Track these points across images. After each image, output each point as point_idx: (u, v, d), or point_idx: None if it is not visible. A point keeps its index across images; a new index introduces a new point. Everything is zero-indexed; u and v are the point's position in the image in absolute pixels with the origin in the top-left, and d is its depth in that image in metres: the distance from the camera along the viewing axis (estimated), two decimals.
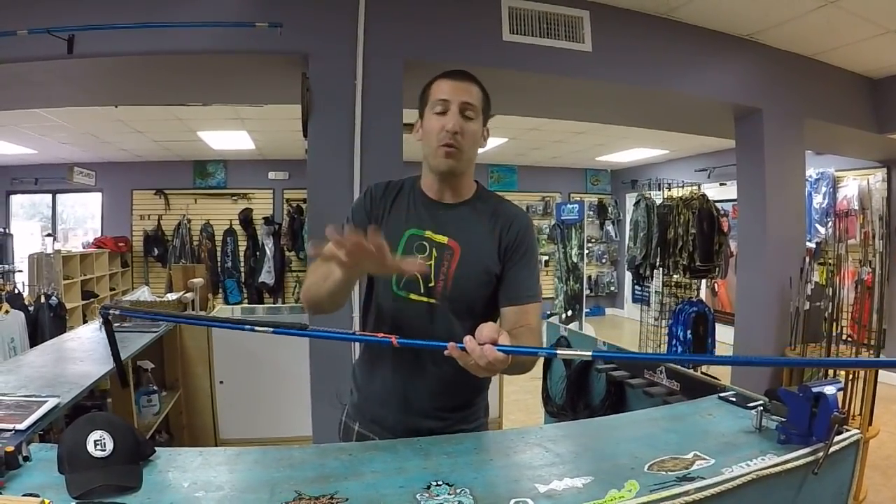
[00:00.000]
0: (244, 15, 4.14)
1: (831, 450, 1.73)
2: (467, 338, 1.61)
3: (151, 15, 4.04)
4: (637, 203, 8.55)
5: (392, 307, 2.08)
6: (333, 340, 2.05)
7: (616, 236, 15.27)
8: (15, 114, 7.42)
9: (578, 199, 13.19)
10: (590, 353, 1.78)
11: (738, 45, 5.56)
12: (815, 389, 1.77)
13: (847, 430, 1.85)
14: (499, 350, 1.58)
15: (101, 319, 1.80)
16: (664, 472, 1.61)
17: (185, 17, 4.07)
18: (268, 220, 12.97)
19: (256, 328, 1.76)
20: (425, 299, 2.04)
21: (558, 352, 1.77)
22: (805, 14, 4.96)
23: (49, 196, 13.26)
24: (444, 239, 2.06)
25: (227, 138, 10.51)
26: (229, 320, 1.85)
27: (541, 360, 4.30)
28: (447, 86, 2.05)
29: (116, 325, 4.73)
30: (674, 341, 6.94)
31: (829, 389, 1.78)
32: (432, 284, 2.04)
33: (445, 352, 1.64)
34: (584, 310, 10.94)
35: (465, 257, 2.05)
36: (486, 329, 1.62)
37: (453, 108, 2.01)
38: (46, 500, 1.36)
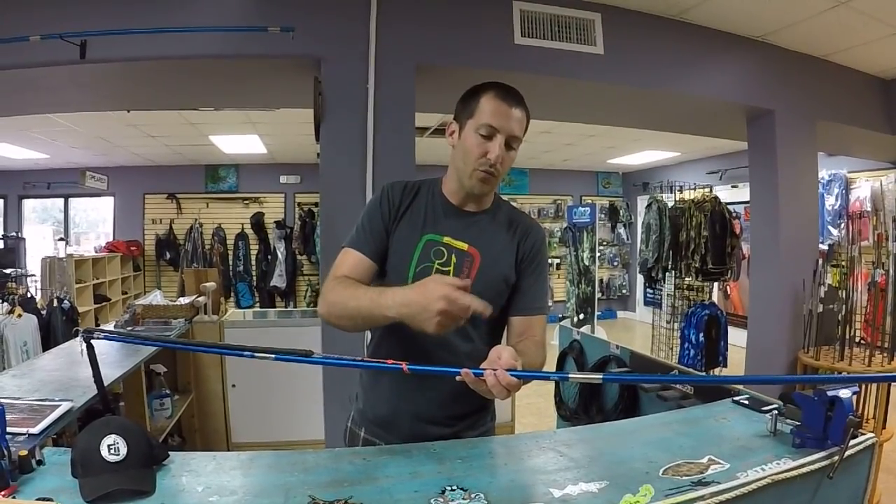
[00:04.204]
0: (256, 19, 4.14)
1: (846, 454, 1.72)
2: (485, 366, 1.64)
3: (163, 20, 4.05)
4: (649, 205, 8.55)
5: None
6: (344, 345, 2.03)
7: (628, 239, 15.25)
8: (27, 119, 7.45)
9: (590, 201, 13.21)
10: (600, 377, 1.80)
11: (750, 46, 5.54)
12: (830, 393, 1.76)
13: (862, 434, 1.84)
14: (512, 375, 1.59)
15: (84, 344, 1.79)
16: (679, 477, 1.60)
17: (197, 22, 4.08)
18: (279, 224, 13.00)
19: (257, 355, 1.75)
20: None
21: (570, 375, 1.78)
22: (817, 15, 4.93)
23: (61, 200, 13.35)
24: (464, 245, 2.06)
25: (239, 142, 10.55)
26: (230, 346, 1.84)
27: (554, 364, 4.29)
28: (501, 110, 1.99)
29: (129, 328, 4.78)
30: (686, 344, 6.91)
31: (845, 393, 1.77)
32: None
33: (458, 378, 1.65)
34: (596, 313, 10.94)
35: (485, 265, 2.05)
36: (506, 354, 1.64)
37: (500, 138, 1.97)
38: None
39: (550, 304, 14.09)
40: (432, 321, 1.68)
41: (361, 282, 2.07)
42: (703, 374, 5.80)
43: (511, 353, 1.65)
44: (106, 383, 3.23)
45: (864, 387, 4.85)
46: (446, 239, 2.07)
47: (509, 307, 2.12)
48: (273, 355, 1.77)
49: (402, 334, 2.00)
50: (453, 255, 2.05)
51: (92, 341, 1.85)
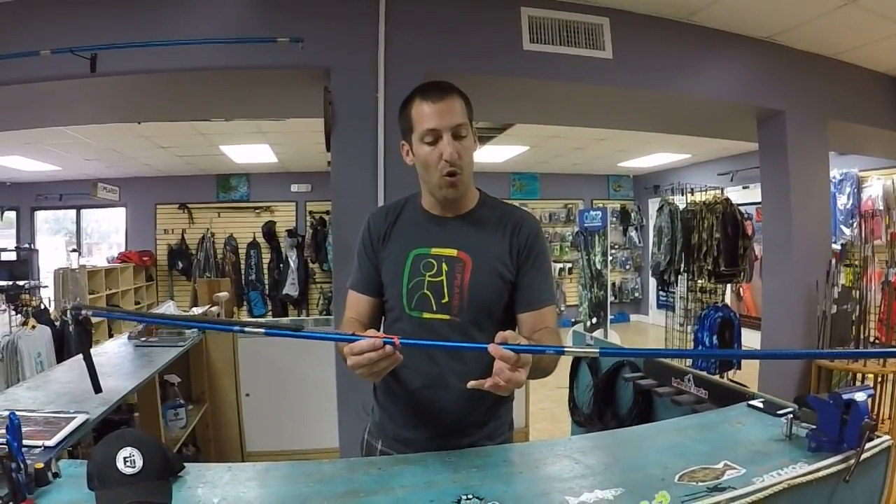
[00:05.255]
0: (265, 30, 4.15)
1: (862, 457, 1.71)
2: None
3: (173, 32, 4.07)
4: (660, 208, 8.53)
5: (407, 328, 2.05)
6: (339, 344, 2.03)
7: (640, 242, 15.22)
8: (39, 131, 7.50)
9: (601, 205, 13.14)
10: (597, 350, 1.78)
11: (759, 47, 5.52)
12: (845, 396, 1.76)
13: (878, 437, 1.83)
14: (506, 349, 1.56)
15: (72, 321, 1.80)
16: (695, 483, 1.60)
17: (206, 34, 4.10)
18: (291, 233, 13.04)
19: (246, 329, 1.75)
20: (439, 316, 2.02)
21: (566, 349, 1.74)
22: (825, 14, 4.92)
23: (73, 211, 13.44)
24: (453, 252, 2.05)
25: (250, 152, 10.58)
26: (219, 321, 1.83)
27: (568, 369, 4.29)
28: (431, 111, 1.98)
29: (143, 339, 4.80)
30: (699, 347, 6.90)
31: (860, 396, 1.76)
32: (446, 300, 2.02)
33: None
34: (609, 317, 10.89)
35: (478, 267, 2.04)
36: (505, 332, 1.62)
37: (446, 136, 1.96)
38: None
39: (563, 308, 14.09)
40: (358, 373, 1.71)
41: (365, 317, 2.15)
42: (717, 376, 5.77)
43: (509, 332, 1.63)
44: (120, 395, 3.26)
45: (879, 389, 4.83)
46: (434, 250, 2.06)
47: (515, 305, 2.09)
48: (263, 330, 1.78)
49: (406, 352, 2.01)
50: (444, 264, 2.04)
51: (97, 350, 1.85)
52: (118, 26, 4.06)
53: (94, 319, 8.85)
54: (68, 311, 1.79)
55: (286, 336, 1.78)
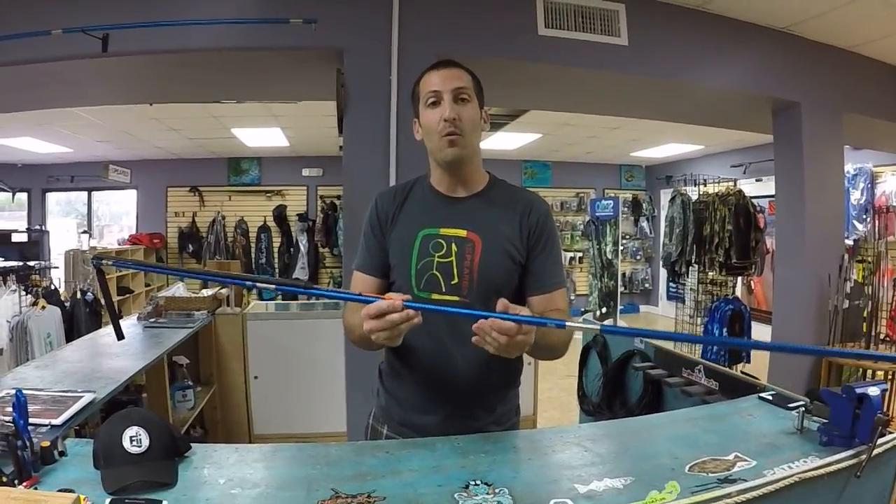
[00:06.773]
0: (278, 11, 4.13)
1: (874, 452, 1.69)
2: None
3: (185, 12, 4.05)
4: (672, 199, 8.51)
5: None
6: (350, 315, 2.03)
7: (651, 233, 15.16)
8: (51, 113, 7.50)
9: (613, 195, 13.11)
10: (598, 327, 1.78)
11: (775, 37, 5.48)
12: (858, 391, 1.74)
13: (890, 433, 1.81)
14: (506, 318, 1.57)
15: (94, 269, 1.79)
16: (705, 474, 1.58)
17: (219, 14, 4.08)
18: (302, 217, 13.04)
19: (258, 284, 1.76)
20: (449, 297, 2.01)
21: (567, 323, 1.72)
22: (842, 6, 4.87)
23: (85, 193, 13.48)
24: (462, 232, 2.04)
25: (261, 135, 10.58)
26: (233, 275, 1.84)
27: (577, 357, 4.27)
28: (435, 77, 2.03)
29: (152, 319, 4.80)
30: None
31: (873, 390, 1.75)
32: (455, 281, 2.01)
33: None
34: (619, 307, 10.89)
35: (488, 248, 2.02)
36: (502, 301, 1.63)
37: (446, 96, 1.99)
38: (81, 496, 1.36)
39: (573, 297, 14.07)
40: (375, 337, 1.69)
41: None
42: (726, 367, 5.75)
43: (507, 302, 1.63)
44: (129, 375, 3.27)
45: (890, 385, 4.80)
46: (443, 230, 2.05)
47: (525, 288, 2.08)
48: (274, 286, 1.78)
49: (415, 333, 1.98)
50: (453, 244, 2.03)
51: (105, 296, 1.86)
52: (130, 5, 4.05)
53: (103, 300, 8.87)
54: (92, 261, 1.79)
55: (297, 292, 1.80)
